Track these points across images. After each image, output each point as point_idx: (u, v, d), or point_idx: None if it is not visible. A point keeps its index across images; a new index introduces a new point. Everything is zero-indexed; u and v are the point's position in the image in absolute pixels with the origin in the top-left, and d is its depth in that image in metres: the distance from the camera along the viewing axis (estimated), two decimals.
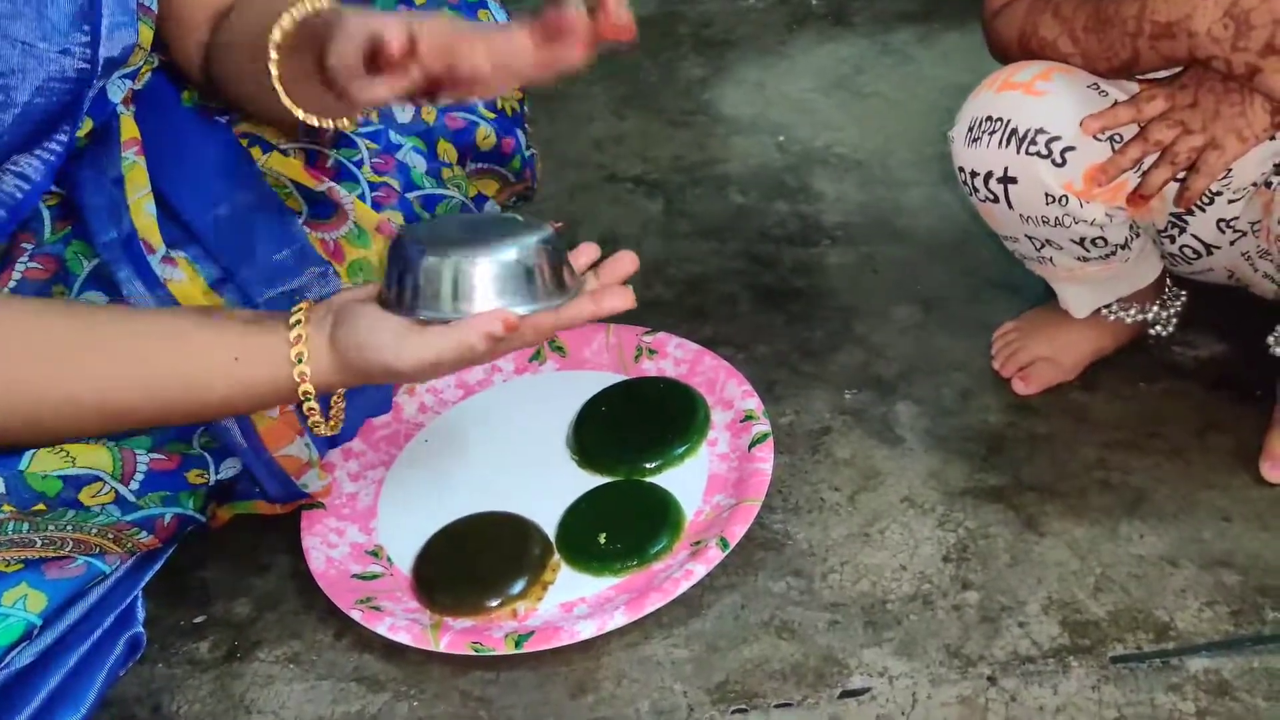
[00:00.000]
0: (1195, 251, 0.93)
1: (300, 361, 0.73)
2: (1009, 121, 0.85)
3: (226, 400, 0.75)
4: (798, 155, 1.37)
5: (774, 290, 1.17)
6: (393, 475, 0.98)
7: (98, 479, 0.78)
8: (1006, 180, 0.87)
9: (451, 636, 0.82)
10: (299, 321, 0.73)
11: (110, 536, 0.81)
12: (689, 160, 1.39)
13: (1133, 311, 0.98)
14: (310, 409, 0.75)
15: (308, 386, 0.73)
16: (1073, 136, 0.84)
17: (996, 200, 0.89)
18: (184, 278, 0.84)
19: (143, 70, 0.92)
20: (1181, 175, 0.84)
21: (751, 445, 0.94)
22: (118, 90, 0.89)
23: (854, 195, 1.29)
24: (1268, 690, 0.76)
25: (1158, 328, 1.00)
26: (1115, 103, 0.85)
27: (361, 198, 0.93)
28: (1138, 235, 0.92)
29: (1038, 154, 0.84)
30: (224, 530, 0.92)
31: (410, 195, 0.95)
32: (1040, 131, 0.84)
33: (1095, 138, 0.84)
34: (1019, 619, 0.83)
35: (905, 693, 0.79)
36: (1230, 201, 0.88)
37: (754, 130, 1.43)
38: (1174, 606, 0.82)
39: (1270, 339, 0.89)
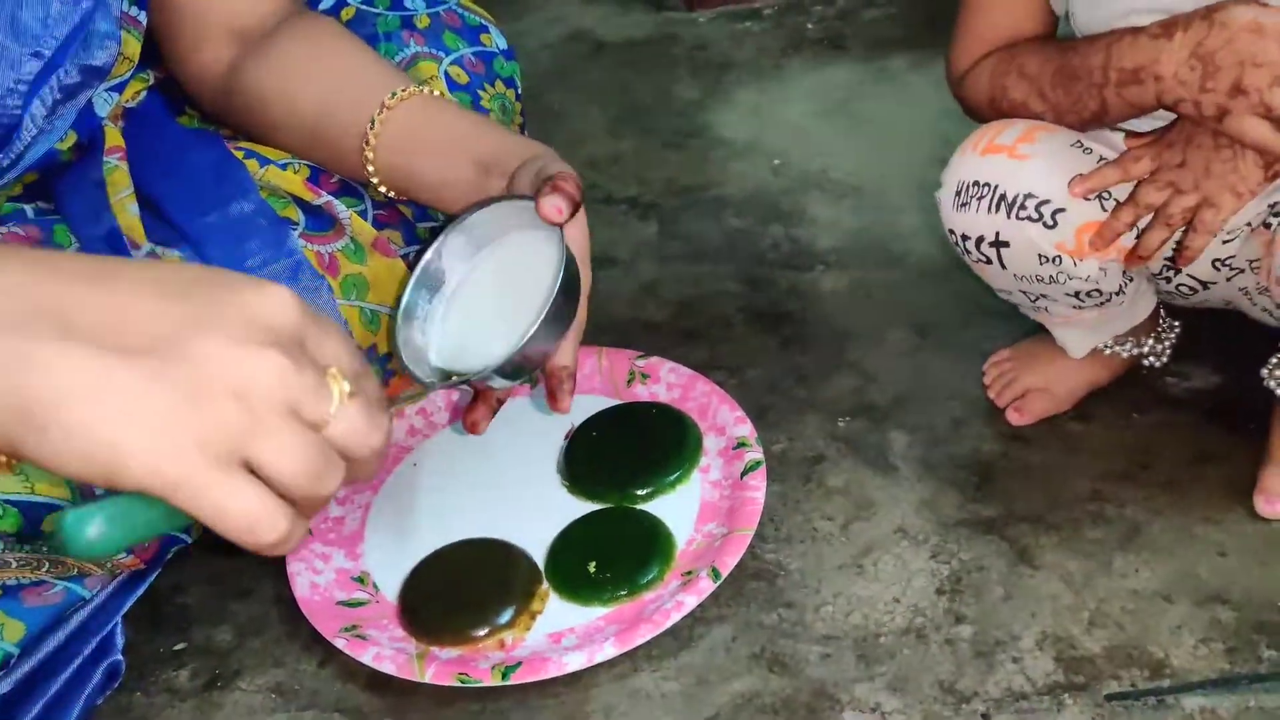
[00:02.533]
0: (1191, 288, 0.93)
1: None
2: (996, 187, 0.85)
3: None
4: (793, 179, 1.37)
5: (767, 314, 1.17)
6: (380, 500, 0.96)
7: (57, 508, 0.76)
8: (999, 244, 0.87)
9: (437, 667, 0.81)
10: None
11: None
12: (684, 182, 1.39)
13: (1128, 346, 0.98)
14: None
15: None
16: (1061, 199, 0.84)
17: (989, 262, 0.89)
18: None
19: (133, 85, 0.91)
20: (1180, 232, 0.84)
21: (744, 473, 0.93)
22: (104, 104, 0.88)
23: (848, 220, 1.29)
24: None
25: (1151, 359, 1.00)
26: (1101, 160, 0.85)
27: (363, 214, 0.92)
28: (1131, 280, 0.91)
29: (1028, 218, 0.84)
30: (206, 554, 0.91)
31: (421, 226, 0.94)
32: (1029, 196, 0.84)
33: (1085, 198, 0.84)
34: (1013, 654, 0.82)
35: None
36: (1225, 242, 0.88)
37: (749, 153, 1.43)
38: (1169, 643, 0.81)
39: (1264, 371, 0.89)
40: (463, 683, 0.80)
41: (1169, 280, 0.93)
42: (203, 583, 0.92)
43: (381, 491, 0.97)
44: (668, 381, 1.03)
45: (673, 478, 0.94)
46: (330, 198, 0.90)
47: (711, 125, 1.49)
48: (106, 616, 0.81)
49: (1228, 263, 0.89)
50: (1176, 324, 1.00)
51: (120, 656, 0.82)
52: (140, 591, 0.85)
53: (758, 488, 0.91)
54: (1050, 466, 0.96)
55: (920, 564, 0.89)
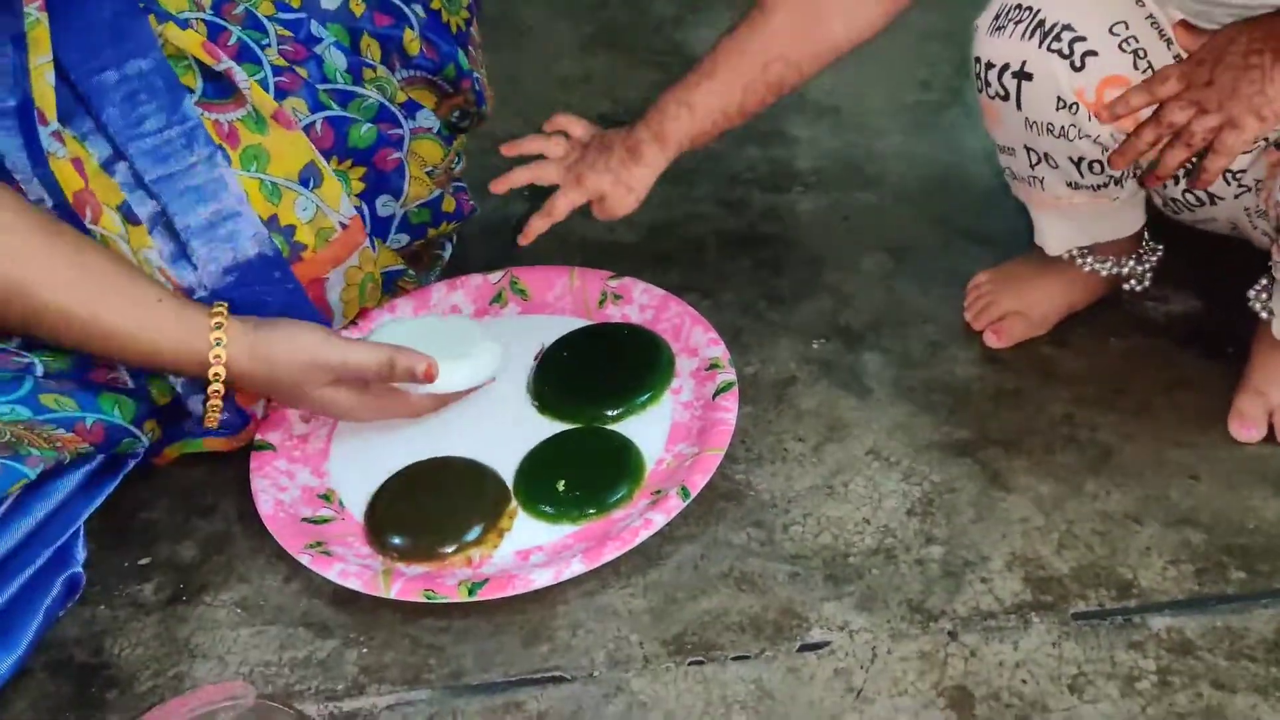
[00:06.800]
0: (1199, 200, 0.92)
1: (219, 345, 0.81)
2: (1038, 12, 0.85)
3: (139, 336, 0.80)
4: None
5: (743, 236, 1.15)
6: None
7: None
8: (1021, 75, 0.86)
9: (403, 583, 0.80)
10: (219, 313, 0.82)
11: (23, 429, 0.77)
12: None
13: (1108, 264, 0.97)
14: (215, 392, 0.82)
15: (220, 369, 0.81)
16: (1097, 39, 0.83)
17: (1007, 98, 0.87)
18: (67, 154, 0.82)
19: None
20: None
21: (716, 394, 0.92)
22: None
23: (827, 141, 1.27)
24: (1229, 650, 0.76)
25: (1132, 282, 0.98)
26: (1150, 18, 0.84)
27: (263, 82, 0.89)
28: (1133, 175, 0.90)
29: (1059, 52, 0.84)
30: (169, 470, 0.90)
31: (321, 88, 0.91)
32: (1067, 28, 0.84)
33: (1121, 48, 0.83)
34: (982, 574, 0.82)
35: (865, 647, 0.78)
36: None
37: None
38: (1138, 564, 0.82)
39: (1251, 292, 0.88)
40: (429, 599, 0.79)
41: (1176, 182, 0.91)
42: (165, 498, 0.90)
43: None
44: (640, 303, 1.01)
45: (644, 399, 0.93)
46: (231, 64, 0.87)
47: (689, 43, 1.45)
48: (63, 525, 0.80)
49: (1238, 177, 0.88)
50: (1159, 247, 0.99)
51: (80, 569, 0.81)
52: (99, 502, 0.83)
53: (729, 409, 0.90)
54: (1024, 390, 0.96)
55: (891, 486, 0.88)
